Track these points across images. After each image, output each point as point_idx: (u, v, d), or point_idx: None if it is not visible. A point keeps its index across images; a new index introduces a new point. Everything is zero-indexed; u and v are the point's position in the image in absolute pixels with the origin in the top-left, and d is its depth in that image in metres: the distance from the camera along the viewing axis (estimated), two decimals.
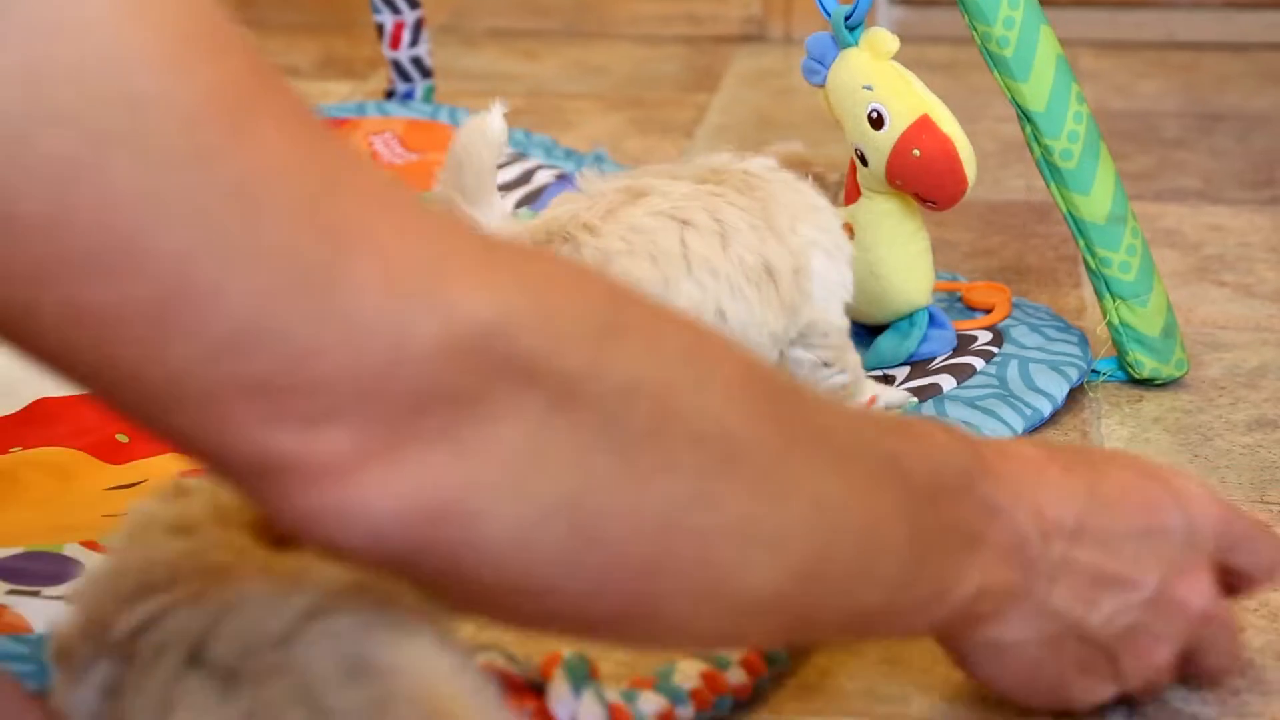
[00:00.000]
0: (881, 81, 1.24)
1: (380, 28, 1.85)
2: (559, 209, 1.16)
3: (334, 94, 2.05)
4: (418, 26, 1.86)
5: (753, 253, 1.13)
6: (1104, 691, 0.82)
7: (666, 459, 0.62)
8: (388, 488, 0.57)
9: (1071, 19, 2.19)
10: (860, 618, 0.73)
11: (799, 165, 1.26)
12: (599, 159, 1.70)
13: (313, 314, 0.55)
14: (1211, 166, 1.77)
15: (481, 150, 1.14)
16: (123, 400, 0.57)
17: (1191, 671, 0.85)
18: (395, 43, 1.86)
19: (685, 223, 1.13)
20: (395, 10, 1.84)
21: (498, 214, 1.16)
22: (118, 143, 0.53)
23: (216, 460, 0.58)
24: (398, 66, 1.87)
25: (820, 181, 1.24)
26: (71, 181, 0.52)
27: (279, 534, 0.67)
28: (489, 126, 1.15)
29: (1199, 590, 0.80)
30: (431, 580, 0.61)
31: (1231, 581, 0.84)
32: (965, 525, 0.74)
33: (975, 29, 1.22)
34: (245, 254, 0.54)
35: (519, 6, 2.37)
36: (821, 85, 1.28)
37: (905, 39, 1.26)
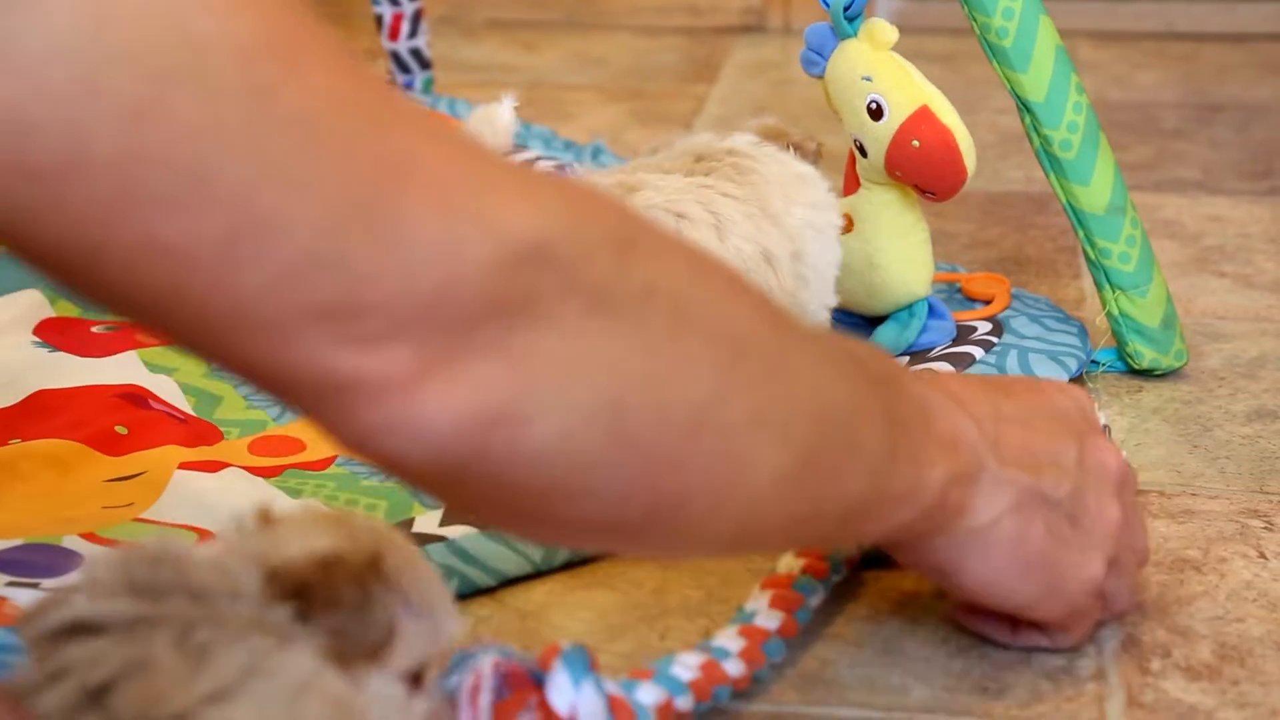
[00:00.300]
0: (881, 72, 1.24)
1: (379, 19, 1.85)
2: None
3: None
4: (416, 18, 1.86)
5: (750, 242, 1.14)
6: (1092, 565, 0.84)
7: (687, 358, 0.65)
8: (447, 399, 0.60)
9: (1070, 10, 2.19)
10: (854, 510, 0.76)
11: (777, 138, 1.28)
12: (598, 151, 1.70)
13: (372, 239, 0.58)
14: (1211, 157, 1.77)
15: (489, 141, 1.13)
16: (189, 331, 0.60)
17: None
18: (394, 34, 1.86)
19: (680, 216, 1.13)
20: (394, 1, 1.84)
21: None
22: (181, 80, 0.55)
23: (282, 383, 0.60)
24: (396, 58, 1.87)
25: (801, 151, 1.26)
26: (139, 119, 0.54)
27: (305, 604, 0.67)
28: (498, 117, 1.14)
29: (1111, 450, 0.86)
30: (477, 487, 0.63)
31: None
32: (914, 416, 0.78)
33: (974, 20, 1.22)
34: (305, 183, 0.57)
35: None
36: (820, 76, 1.28)
37: (904, 30, 1.25)
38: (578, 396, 0.62)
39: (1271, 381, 1.25)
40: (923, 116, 1.22)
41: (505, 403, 0.60)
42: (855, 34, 1.25)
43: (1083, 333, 1.29)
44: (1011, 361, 1.23)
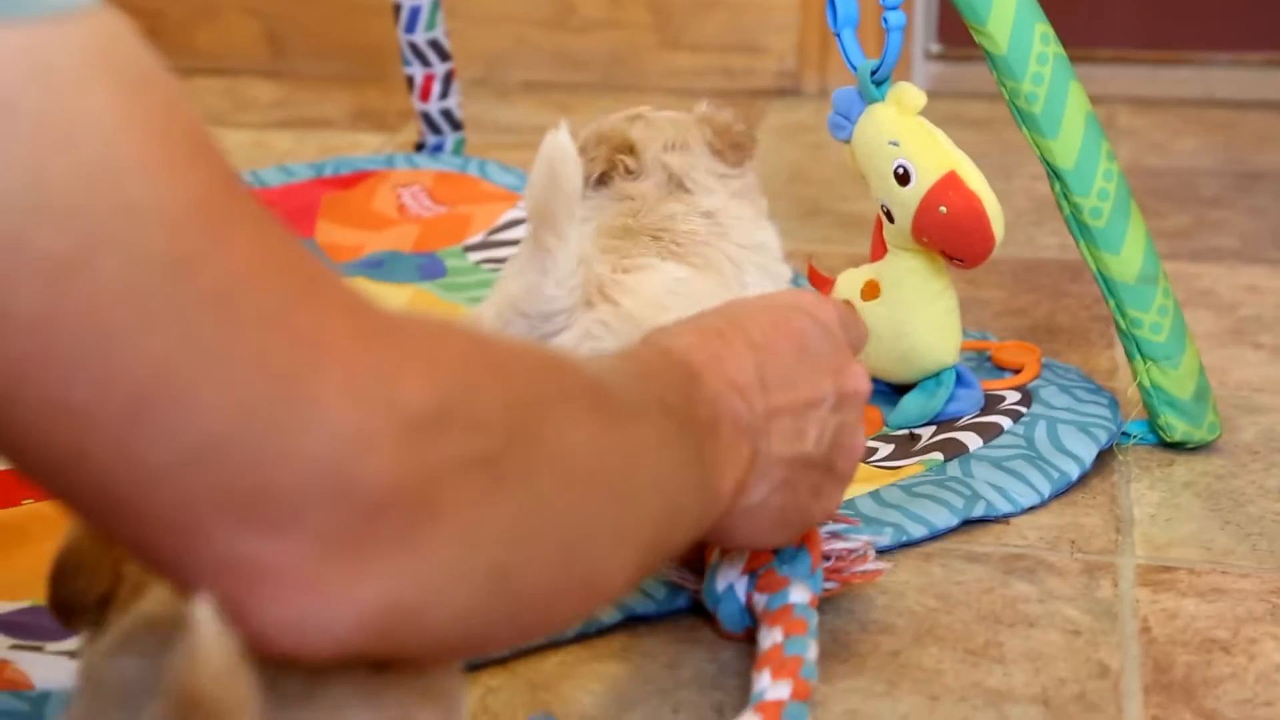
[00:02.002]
0: (908, 137, 1.22)
1: (410, 80, 1.85)
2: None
3: (365, 145, 2.05)
4: (448, 79, 1.85)
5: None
6: (835, 499, 0.93)
7: (565, 505, 0.67)
8: (348, 595, 0.59)
9: (1109, 75, 2.18)
10: (676, 548, 0.80)
11: (721, 130, 1.32)
12: None
13: (282, 422, 0.57)
14: (1249, 226, 1.74)
15: (571, 171, 1.09)
16: (88, 502, 0.58)
17: None
18: (425, 95, 1.86)
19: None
20: (425, 62, 1.84)
21: (574, 242, 1.12)
22: (109, 245, 0.54)
23: (178, 565, 0.58)
24: (428, 119, 1.87)
25: (737, 144, 1.32)
26: (63, 280, 0.53)
27: None
28: (569, 146, 1.10)
29: (859, 375, 0.92)
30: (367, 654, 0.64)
31: None
32: (707, 427, 0.81)
33: (1004, 85, 1.21)
34: (221, 360, 0.56)
35: (553, 59, 2.36)
36: (847, 141, 1.27)
37: (940, 94, 1.25)
38: (472, 572, 0.63)
39: None
40: (950, 182, 1.20)
41: (406, 595, 0.60)
42: (883, 98, 1.24)
43: (1114, 404, 1.27)
44: (1040, 433, 1.21)
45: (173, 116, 0.57)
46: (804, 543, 0.97)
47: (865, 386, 0.92)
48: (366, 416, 0.58)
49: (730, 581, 0.97)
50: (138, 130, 0.55)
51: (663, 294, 1.17)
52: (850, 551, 1.00)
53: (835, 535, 1.01)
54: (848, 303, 0.97)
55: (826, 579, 0.99)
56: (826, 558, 0.99)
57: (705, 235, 1.25)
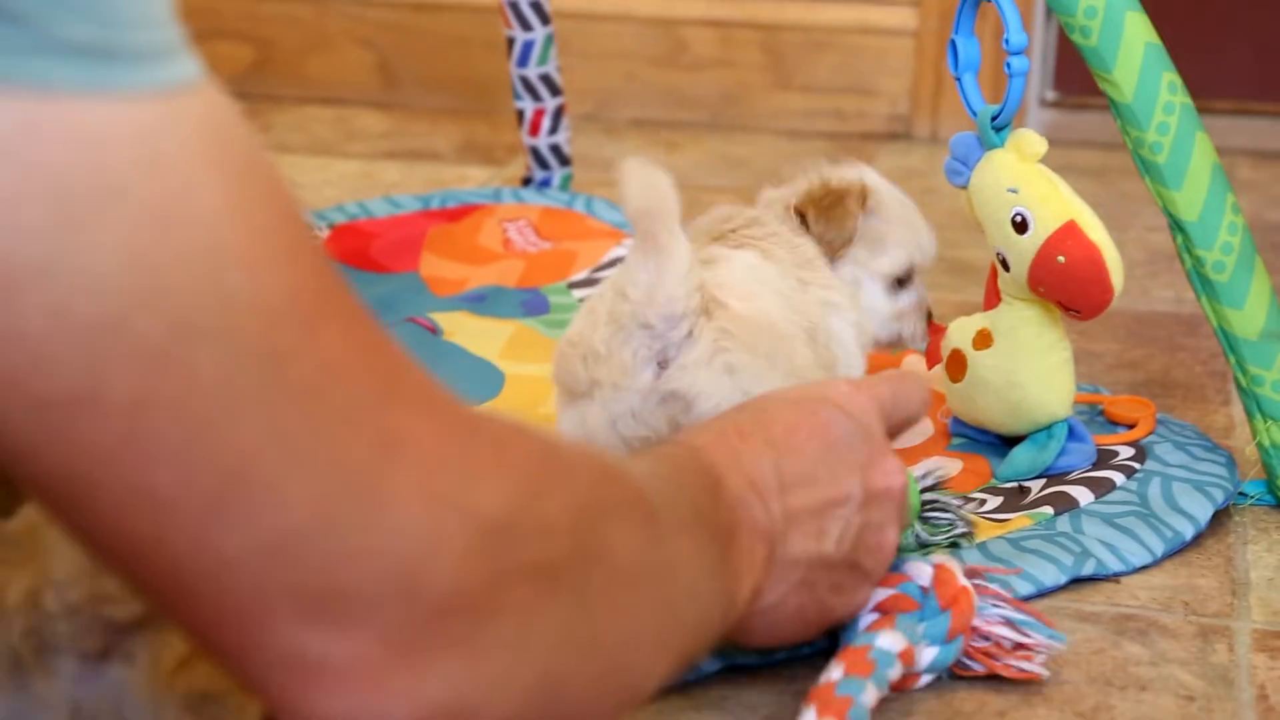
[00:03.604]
0: (1027, 185, 1.20)
1: (520, 114, 1.85)
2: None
3: (472, 179, 2.06)
4: (558, 114, 1.85)
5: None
6: (862, 596, 0.93)
7: (613, 614, 0.69)
8: (408, 694, 0.59)
9: (1229, 127, 2.14)
10: (705, 642, 0.81)
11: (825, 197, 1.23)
12: None
13: (359, 520, 0.57)
14: None
15: (659, 173, 1.05)
16: (160, 585, 0.58)
17: None
18: (535, 129, 1.86)
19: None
20: (536, 97, 1.84)
21: (685, 240, 1.07)
22: (205, 334, 0.54)
23: (242, 654, 0.59)
24: (536, 153, 1.87)
25: (846, 200, 1.23)
26: (159, 366, 0.54)
27: None
28: (648, 175, 1.07)
29: (890, 472, 0.91)
30: None
31: (894, 433, 0.96)
32: (728, 532, 0.82)
33: (1128, 134, 1.19)
34: (305, 454, 0.56)
35: (664, 97, 2.36)
36: (964, 187, 1.25)
37: (1055, 142, 1.23)
38: (523, 678, 0.63)
39: None
40: (1069, 232, 1.18)
41: (462, 698, 0.61)
42: (1002, 144, 1.22)
43: (1230, 463, 1.24)
44: (1154, 490, 1.19)
45: (273, 205, 0.57)
46: (949, 605, 0.96)
47: (897, 482, 0.92)
48: (441, 519, 0.59)
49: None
50: (241, 220, 0.55)
51: (746, 281, 1.13)
52: (1017, 646, 0.98)
53: (1009, 622, 0.98)
54: (910, 374, 1.00)
55: (973, 657, 0.97)
56: (984, 637, 0.97)
57: (764, 229, 1.22)
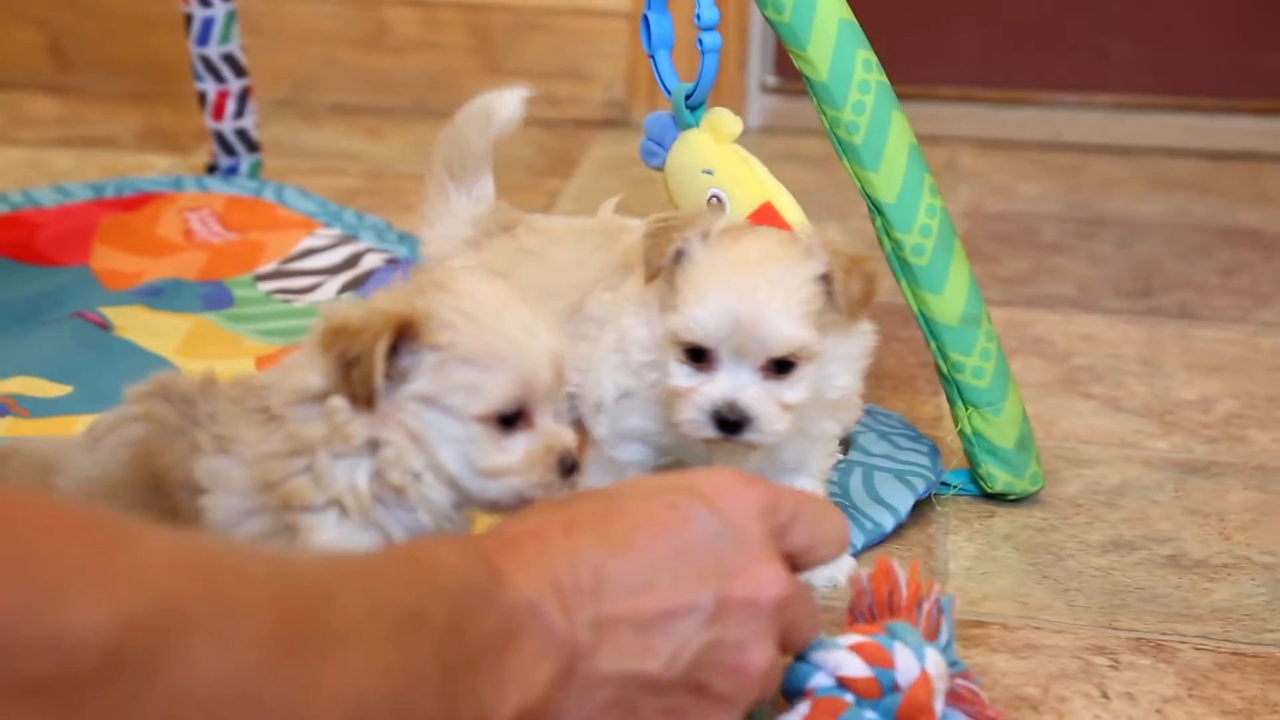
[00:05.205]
0: (723, 165, 1.24)
1: (202, 96, 1.84)
2: None
3: (155, 167, 2.03)
4: (244, 96, 1.84)
5: None
6: None
7: None
8: None
9: (951, 114, 2.21)
10: None
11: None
12: None
13: None
14: (1088, 273, 1.79)
15: (474, 133, 1.11)
16: None
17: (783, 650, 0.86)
18: (219, 113, 1.84)
19: None
20: (219, 78, 1.83)
21: (477, 197, 1.17)
22: None
23: None
24: (221, 139, 1.85)
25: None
26: None
27: None
28: (494, 108, 1.14)
29: (766, 580, 0.82)
30: None
31: (797, 561, 0.86)
32: (492, 642, 0.77)
33: (824, 113, 1.22)
34: None
35: (365, 81, 2.36)
36: (660, 168, 1.28)
37: (776, 129, 1.27)
38: None
39: (1131, 511, 1.25)
40: (766, 214, 1.21)
41: None
42: (698, 124, 1.25)
43: (934, 452, 1.29)
44: (856, 480, 1.23)
45: None
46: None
47: (769, 594, 0.82)
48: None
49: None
50: None
51: None
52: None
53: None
54: (827, 503, 0.89)
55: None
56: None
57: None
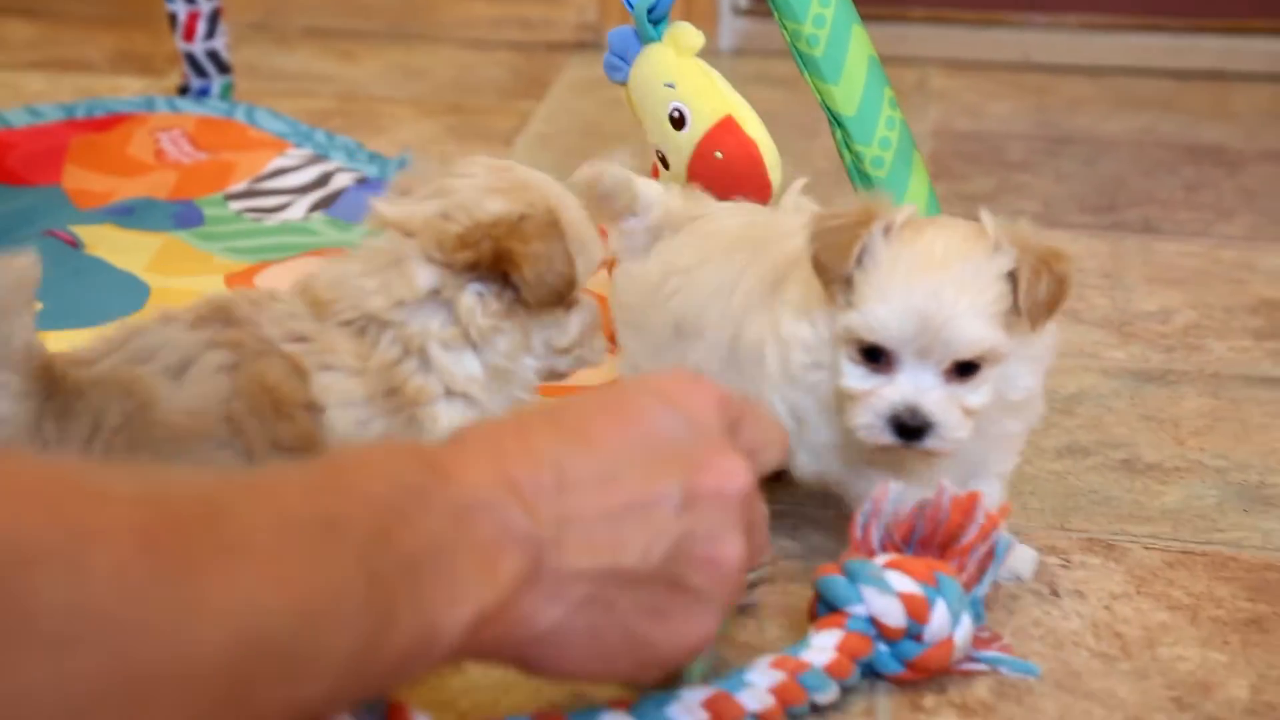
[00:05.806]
0: (685, 79, 1.25)
1: (173, 18, 1.84)
2: None
3: (127, 90, 2.04)
4: (214, 17, 1.85)
5: None
6: (702, 623, 0.80)
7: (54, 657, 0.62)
8: None
9: (922, 35, 2.22)
10: (345, 679, 0.71)
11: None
12: (403, 164, 1.70)
13: None
14: (1054, 190, 1.80)
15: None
16: None
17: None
18: (189, 34, 1.85)
19: None
20: (189, 0, 1.83)
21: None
22: None
23: None
24: (192, 60, 1.86)
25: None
26: None
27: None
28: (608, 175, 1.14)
29: (731, 471, 0.80)
30: None
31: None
32: (434, 545, 0.73)
33: (785, 27, 1.23)
34: None
35: (339, 5, 2.36)
36: (624, 83, 1.29)
37: (748, 51, 1.27)
38: None
39: (1088, 418, 1.27)
40: (727, 127, 1.23)
41: None
42: (659, 38, 1.26)
43: None
44: None
45: None
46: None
47: (735, 484, 0.80)
48: None
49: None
50: None
51: None
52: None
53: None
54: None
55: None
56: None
57: None
